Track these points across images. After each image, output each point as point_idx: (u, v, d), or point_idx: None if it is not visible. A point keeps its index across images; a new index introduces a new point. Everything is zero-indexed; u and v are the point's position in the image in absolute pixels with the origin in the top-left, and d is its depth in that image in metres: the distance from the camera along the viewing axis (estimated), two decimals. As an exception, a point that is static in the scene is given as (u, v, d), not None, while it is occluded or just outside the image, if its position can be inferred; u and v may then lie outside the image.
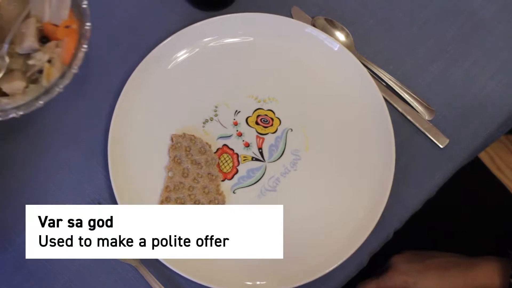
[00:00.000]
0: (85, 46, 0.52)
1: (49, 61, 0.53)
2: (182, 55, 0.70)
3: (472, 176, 0.87)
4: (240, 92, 0.69)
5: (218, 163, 0.66)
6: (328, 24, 0.72)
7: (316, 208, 0.66)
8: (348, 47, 0.70)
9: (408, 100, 0.70)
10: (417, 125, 0.69)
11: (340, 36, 0.72)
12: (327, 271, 0.62)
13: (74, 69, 0.52)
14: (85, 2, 0.53)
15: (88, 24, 0.53)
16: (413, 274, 0.69)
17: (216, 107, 0.68)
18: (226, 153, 0.67)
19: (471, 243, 0.77)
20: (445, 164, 0.69)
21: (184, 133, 0.66)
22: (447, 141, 0.69)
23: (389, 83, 0.70)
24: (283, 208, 0.64)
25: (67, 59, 0.53)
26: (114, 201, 0.64)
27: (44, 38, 0.54)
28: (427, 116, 0.70)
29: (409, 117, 0.70)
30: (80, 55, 0.52)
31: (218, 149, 0.67)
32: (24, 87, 0.53)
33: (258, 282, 0.62)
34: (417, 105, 0.70)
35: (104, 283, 0.63)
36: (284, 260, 0.63)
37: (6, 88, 0.53)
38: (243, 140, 0.67)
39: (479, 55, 0.73)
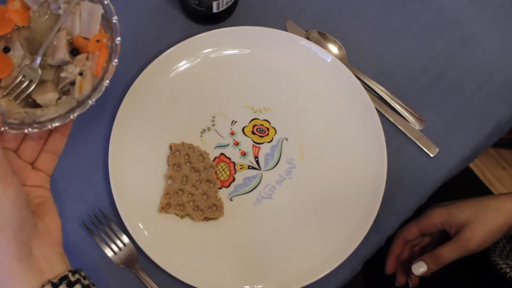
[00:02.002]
0: (116, 60, 0.53)
1: (81, 73, 0.54)
2: (182, 65, 0.72)
3: (465, 186, 0.88)
4: (236, 103, 0.71)
5: (216, 171, 0.68)
6: (321, 37, 0.74)
7: (310, 215, 0.68)
8: (340, 59, 0.72)
9: (399, 111, 0.72)
10: (408, 134, 0.72)
11: (333, 48, 0.74)
12: (320, 276, 0.64)
13: (106, 83, 0.53)
14: (115, 18, 0.55)
15: (118, 38, 0.54)
16: (451, 207, 0.70)
17: (213, 117, 0.70)
18: (223, 161, 0.69)
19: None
20: (436, 172, 0.71)
21: (183, 142, 0.68)
22: (437, 150, 0.71)
23: (380, 94, 0.73)
24: (279, 214, 0.67)
25: (98, 72, 0.54)
26: (114, 209, 0.65)
27: (74, 51, 0.55)
28: (417, 126, 0.72)
29: (400, 127, 0.72)
30: (111, 68, 0.53)
31: (215, 158, 0.69)
32: (57, 98, 0.54)
33: (255, 286, 0.64)
34: (407, 115, 0.72)
35: (104, 289, 0.65)
36: (279, 265, 0.65)
37: (39, 99, 0.54)
38: (239, 149, 0.69)
39: (468, 66, 0.76)
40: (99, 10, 0.55)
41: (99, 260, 0.65)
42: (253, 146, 0.70)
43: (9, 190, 0.46)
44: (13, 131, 0.51)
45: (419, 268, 0.67)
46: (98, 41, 0.55)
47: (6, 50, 0.55)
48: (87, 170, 0.69)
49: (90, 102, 0.52)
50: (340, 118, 0.71)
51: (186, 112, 0.70)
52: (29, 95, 0.54)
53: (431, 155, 0.71)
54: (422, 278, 0.70)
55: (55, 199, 0.66)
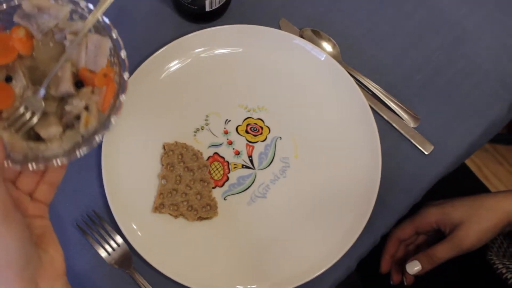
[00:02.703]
0: (124, 96, 0.51)
1: (86, 107, 0.51)
2: (174, 65, 0.71)
3: (460, 183, 0.88)
4: (230, 102, 0.71)
5: (209, 171, 0.68)
6: (315, 35, 0.74)
7: (304, 213, 0.67)
8: (335, 57, 0.72)
9: (393, 108, 0.72)
10: (402, 132, 0.71)
11: (327, 46, 0.74)
12: (315, 275, 0.64)
13: (114, 120, 0.50)
14: (124, 52, 0.52)
15: (126, 74, 0.51)
16: (446, 206, 0.69)
17: (207, 116, 0.70)
18: (217, 161, 0.69)
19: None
20: (430, 170, 0.71)
21: (176, 142, 0.68)
22: (432, 147, 0.71)
23: (375, 92, 0.72)
24: (273, 214, 0.67)
25: (105, 107, 0.51)
26: (108, 209, 0.65)
27: (79, 83, 0.53)
28: (412, 124, 0.72)
29: (394, 125, 0.72)
30: (119, 105, 0.51)
31: (209, 157, 0.69)
32: (61, 132, 0.51)
33: (248, 286, 0.64)
34: (402, 113, 0.72)
35: (99, 289, 0.65)
36: (273, 264, 0.65)
37: (43, 133, 0.51)
38: (233, 148, 0.69)
39: (463, 65, 0.76)
40: (107, 43, 0.53)
41: (93, 261, 0.65)
42: (247, 145, 0.69)
43: (12, 227, 0.44)
44: (17, 166, 0.48)
45: (413, 267, 0.67)
46: (105, 75, 0.52)
47: (8, 79, 0.53)
48: (81, 171, 0.68)
49: (97, 138, 0.50)
50: (334, 117, 0.71)
51: (179, 112, 0.70)
52: (31, 128, 0.52)
53: (426, 153, 0.71)
54: (417, 276, 0.70)
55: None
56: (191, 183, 0.67)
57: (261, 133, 0.70)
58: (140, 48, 0.72)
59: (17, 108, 0.52)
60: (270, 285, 0.64)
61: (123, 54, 0.52)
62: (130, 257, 0.64)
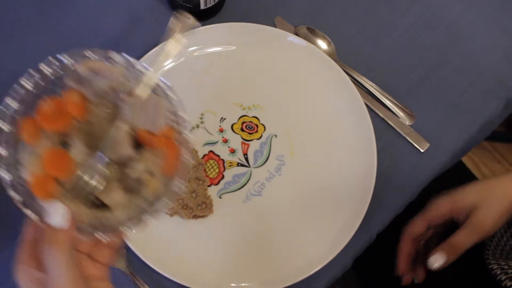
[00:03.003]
0: (186, 157, 0.48)
1: (149, 171, 0.49)
2: (167, 64, 0.71)
3: (457, 180, 0.88)
4: (225, 100, 0.71)
5: (205, 169, 0.68)
6: (311, 33, 0.74)
7: (299, 211, 0.67)
8: (330, 55, 0.72)
9: (389, 106, 0.72)
10: (398, 130, 0.71)
11: (322, 44, 0.74)
12: (311, 273, 0.63)
13: (180, 183, 0.47)
14: (184, 112, 0.49)
15: (186, 133, 0.49)
16: (456, 194, 0.66)
17: (202, 114, 0.70)
18: (212, 159, 0.69)
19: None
20: (426, 168, 0.71)
21: (171, 140, 0.68)
22: (428, 145, 0.71)
23: (370, 90, 0.72)
24: (268, 212, 0.67)
25: (169, 170, 0.49)
26: (103, 207, 0.65)
27: (138, 145, 0.50)
28: (407, 121, 0.72)
29: (390, 122, 0.72)
30: (182, 166, 0.48)
31: (204, 155, 0.68)
32: (125, 198, 0.49)
33: (243, 284, 0.64)
34: (398, 110, 0.72)
35: (94, 288, 0.65)
36: (268, 262, 0.65)
37: (106, 200, 0.48)
38: (228, 147, 0.69)
39: (458, 62, 0.76)
40: (165, 104, 0.50)
41: (88, 259, 0.65)
42: (242, 143, 0.69)
43: None
44: (85, 237, 0.45)
45: (438, 261, 0.63)
46: (165, 136, 0.50)
47: (64, 145, 0.49)
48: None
49: (166, 202, 0.47)
50: (330, 114, 0.71)
51: (174, 110, 0.70)
52: (93, 195, 0.49)
53: (422, 151, 0.71)
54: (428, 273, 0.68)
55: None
56: (186, 181, 0.67)
57: (257, 131, 0.70)
58: (135, 48, 0.72)
59: (78, 176, 0.49)
60: (265, 282, 0.64)
61: (183, 114, 0.50)
62: (125, 255, 0.64)
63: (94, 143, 0.50)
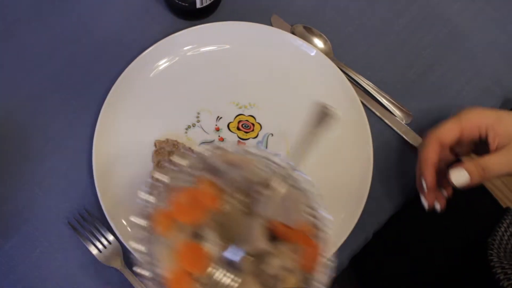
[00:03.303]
0: (327, 256, 0.47)
1: (286, 267, 0.48)
2: (163, 64, 0.71)
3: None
4: (221, 99, 0.71)
5: (201, 168, 0.68)
6: (307, 31, 0.74)
7: (296, 210, 0.67)
8: (326, 54, 0.72)
9: (385, 105, 0.72)
10: (394, 128, 0.71)
11: (319, 43, 0.74)
12: (307, 271, 0.63)
13: (318, 282, 0.46)
14: (324, 210, 0.49)
15: (326, 230, 0.48)
16: (502, 113, 0.58)
17: (198, 113, 0.70)
18: (208, 158, 0.68)
19: (451, 244, 0.78)
20: (423, 167, 0.71)
21: (167, 139, 0.68)
22: (424, 144, 0.71)
23: (367, 88, 0.72)
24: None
25: (308, 268, 0.47)
26: (99, 207, 0.65)
27: (273, 238, 0.49)
28: (404, 120, 0.72)
29: (387, 121, 0.71)
30: (323, 265, 0.47)
31: (200, 154, 0.68)
32: None
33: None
34: (394, 109, 0.72)
35: (90, 287, 0.64)
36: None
37: None
38: (225, 145, 0.69)
39: (455, 61, 0.76)
40: (303, 199, 0.50)
41: (84, 259, 0.65)
42: (239, 142, 0.69)
43: None
44: None
45: (461, 176, 0.54)
46: (304, 232, 0.49)
47: (198, 237, 0.49)
48: (72, 169, 0.68)
49: None
50: (326, 113, 0.71)
51: (170, 109, 0.70)
52: None
53: (418, 149, 0.71)
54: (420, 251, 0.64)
55: (40, 199, 0.67)
56: (182, 180, 0.67)
57: (253, 130, 0.70)
58: (131, 47, 0.72)
59: (213, 272, 0.48)
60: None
61: (322, 211, 0.49)
62: (121, 255, 0.64)
63: (227, 235, 0.49)
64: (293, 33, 0.73)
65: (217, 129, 0.70)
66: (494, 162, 0.55)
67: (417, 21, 0.77)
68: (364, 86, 0.72)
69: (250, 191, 0.50)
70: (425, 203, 0.60)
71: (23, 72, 0.72)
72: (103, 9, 0.75)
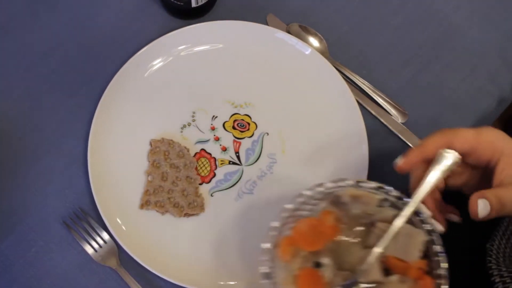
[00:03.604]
0: None
1: None
2: (157, 63, 0.71)
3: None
4: (217, 98, 0.71)
5: (196, 167, 0.68)
6: (302, 30, 0.74)
7: (291, 209, 0.67)
8: (322, 52, 0.72)
9: (381, 104, 0.72)
10: (390, 127, 0.71)
11: (314, 41, 0.74)
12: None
13: None
14: (440, 247, 0.50)
15: (444, 269, 0.49)
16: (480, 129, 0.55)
17: (193, 112, 0.70)
18: (203, 157, 0.68)
19: (449, 248, 0.78)
20: (418, 166, 0.71)
21: (162, 138, 0.68)
22: (420, 143, 0.71)
23: (362, 87, 0.72)
24: (260, 210, 0.66)
25: None
26: (95, 206, 0.65)
27: (386, 271, 0.52)
28: (400, 119, 0.72)
29: (382, 120, 0.71)
30: None
31: (196, 154, 0.68)
32: None
33: (230, 282, 0.64)
34: (390, 108, 0.72)
35: (86, 286, 0.64)
36: (255, 262, 0.65)
37: None
38: (220, 145, 0.69)
39: (451, 59, 0.76)
40: (421, 237, 0.52)
41: (79, 258, 0.65)
42: (234, 141, 0.69)
43: None
44: None
45: (484, 208, 0.51)
46: (419, 268, 0.51)
47: (317, 265, 0.52)
48: (67, 168, 0.68)
49: None
50: (321, 112, 0.71)
51: (166, 108, 0.70)
52: None
53: (414, 148, 0.71)
54: None
55: (36, 198, 0.67)
56: (177, 180, 0.67)
57: (248, 129, 0.70)
58: (127, 47, 0.72)
59: None
60: (253, 281, 0.64)
61: (439, 249, 0.51)
62: (116, 254, 0.64)
63: (341, 263, 0.53)
64: (288, 32, 0.73)
65: (213, 128, 0.70)
66: (508, 196, 0.50)
67: (412, 20, 0.77)
68: (359, 85, 0.72)
69: (368, 224, 0.54)
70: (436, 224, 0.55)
71: (18, 71, 0.72)
72: (98, 8, 0.75)
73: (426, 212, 0.53)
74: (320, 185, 0.54)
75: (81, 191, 0.67)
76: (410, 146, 0.71)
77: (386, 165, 0.70)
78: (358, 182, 0.54)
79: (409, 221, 0.52)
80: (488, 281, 0.66)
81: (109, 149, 0.68)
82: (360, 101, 0.71)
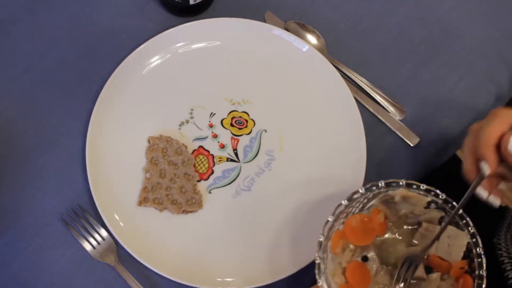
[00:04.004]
0: None
1: None
2: (155, 61, 0.72)
3: (452, 175, 0.87)
4: (215, 95, 0.71)
5: (194, 164, 0.68)
6: (300, 27, 0.74)
7: (289, 206, 0.67)
8: (320, 50, 0.72)
9: (379, 101, 0.72)
10: (388, 125, 0.71)
11: (312, 39, 0.74)
12: (299, 268, 0.63)
13: None
14: (480, 249, 0.53)
15: (483, 270, 0.52)
16: None
17: (191, 110, 0.70)
18: (201, 154, 0.68)
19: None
20: (416, 162, 0.71)
21: (160, 135, 0.68)
22: (418, 140, 0.71)
23: (360, 85, 0.72)
24: (257, 207, 0.66)
25: None
26: (93, 203, 0.65)
27: (428, 268, 0.56)
28: (398, 116, 0.72)
29: (380, 117, 0.72)
30: None
31: (194, 151, 0.68)
32: None
33: (228, 279, 0.64)
34: (388, 105, 0.72)
35: (84, 283, 0.64)
36: (257, 257, 0.65)
37: None
38: (218, 142, 0.69)
39: (448, 57, 0.76)
40: (464, 239, 0.55)
41: (78, 255, 0.65)
42: (232, 138, 0.69)
43: None
44: None
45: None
46: (462, 268, 0.54)
47: (364, 259, 0.57)
48: (66, 165, 0.68)
49: None
50: (319, 109, 0.71)
51: (164, 105, 0.70)
52: None
53: (412, 145, 0.71)
54: None
55: (34, 195, 0.67)
56: (175, 177, 0.67)
57: (246, 126, 0.70)
58: (124, 44, 0.72)
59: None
60: (252, 278, 0.64)
61: (478, 250, 0.53)
62: (115, 251, 0.64)
63: (385, 258, 0.57)
64: (286, 29, 0.73)
65: (211, 126, 0.70)
66: None
67: (411, 18, 0.77)
68: (357, 82, 0.72)
69: (413, 224, 0.58)
70: (483, 192, 0.52)
71: (16, 70, 0.72)
72: (96, 6, 0.75)
73: (467, 218, 0.55)
74: (375, 184, 0.56)
75: (79, 188, 0.68)
76: (407, 143, 0.71)
77: (384, 161, 0.71)
78: (408, 183, 0.56)
79: (455, 224, 0.55)
80: (498, 275, 0.67)
81: (107, 146, 0.68)
82: (358, 98, 0.72)
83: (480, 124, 0.53)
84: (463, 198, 0.54)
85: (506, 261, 0.66)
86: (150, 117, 0.69)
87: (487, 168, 0.50)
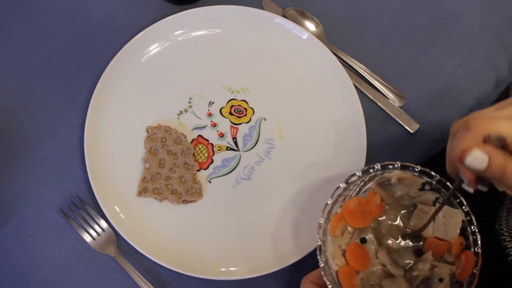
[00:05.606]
0: (476, 269, 0.53)
1: (440, 279, 0.55)
2: (153, 49, 0.71)
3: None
4: (213, 84, 0.70)
5: (194, 153, 0.67)
6: (299, 14, 0.73)
7: (289, 195, 0.67)
8: (318, 37, 0.71)
9: (378, 88, 0.72)
10: (388, 111, 0.71)
11: (310, 26, 0.73)
12: (300, 257, 0.63)
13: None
14: (475, 227, 0.54)
15: (478, 247, 0.53)
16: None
17: (190, 98, 0.69)
18: (201, 143, 0.68)
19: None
20: (416, 149, 0.71)
21: (159, 125, 0.68)
22: (418, 126, 0.71)
23: (359, 71, 0.72)
24: (258, 196, 0.66)
25: (463, 276, 0.54)
26: (92, 194, 0.65)
27: (419, 251, 0.57)
28: (397, 103, 0.71)
29: (380, 104, 0.71)
30: (472, 279, 0.53)
31: (193, 140, 0.68)
32: None
33: (232, 268, 0.64)
34: (387, 92, 0.72)
35: (84, 275, 0.64)
36: (258, 246, 0.65)
37: None
38: (217, 131, 0.69)
39: (448, 43, 0.75)
40: (459, 217, 0.55)
41: (77, 246, 0.65)
42: (231, 127, 0.69)
43: None
44: None
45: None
46: (461, 244, 0.55)
47: (363, 241, 0.57)
48: (64, 156, 0.68)
49: None
50: (319, 96, 0.70)
51: (162, 94, 0.70)
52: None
53: (411, 131, 0.71)
54: None
55: (33, 187, 0.66)
56: (175, 166, 0.66)
57: (245, 115, 0.69)
58: (122, 33, 0.72)
59: (372, 269, 0.57)
60: (255, 267, 0.64)
61: (473, 228, 0.54)
62: (115, 241, 0.64)
63: (382, 241, 0.58)
64: (284, 16, 0.73)
65: (209, 114, 0.69)
66: None
67: (410, 3, 0.76)
68: (356, 69, 0.72)
69: (409, 205, 0.59)
70: (468, 188, 0.51)
71: (13, 60, 0.71)
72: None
73: (461, 198, 0.55)
74: (371, 167, 0.56)
75: (78, 179, 0.67)
76: (407, 130, 0.70)
77: (384, 148, 0.70)
78: (403, 165, 0.56)
79: (449, 203, 0.56)
80: (501, 260, 0.67)
81: (106, 136, 0.67)
82: (357, 85, 0.71)
83: (459, 124, 0.51)
84: (448, 193, 0.54)
85: (509, 245, 0.66)
86: (149, 107, 0.69)
87: (464, 179, 0.50)
